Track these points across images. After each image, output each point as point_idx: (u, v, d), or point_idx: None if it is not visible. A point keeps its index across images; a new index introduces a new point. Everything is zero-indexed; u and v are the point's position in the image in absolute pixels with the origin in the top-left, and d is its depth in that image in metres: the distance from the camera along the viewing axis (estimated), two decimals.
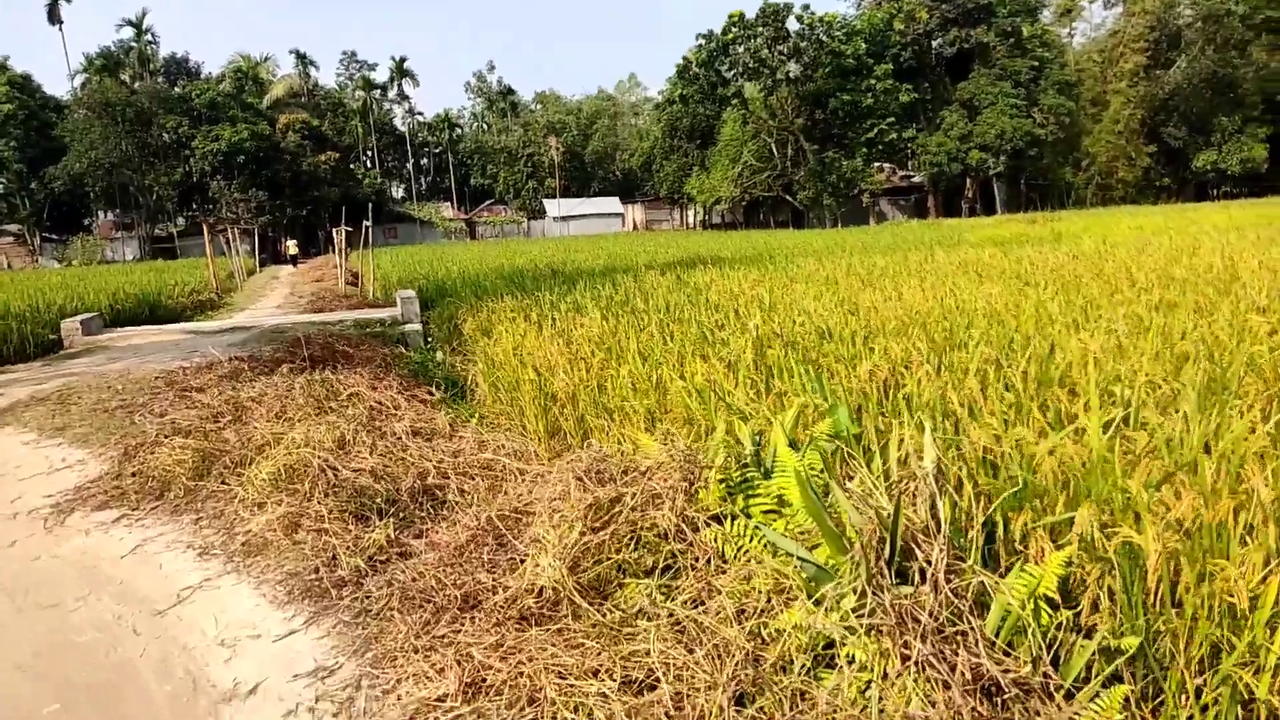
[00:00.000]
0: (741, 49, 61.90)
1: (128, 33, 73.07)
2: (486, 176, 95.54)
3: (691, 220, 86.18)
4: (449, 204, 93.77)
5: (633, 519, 3.57)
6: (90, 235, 67.96)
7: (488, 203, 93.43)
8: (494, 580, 3.68)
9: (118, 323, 17.52)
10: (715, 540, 3.49)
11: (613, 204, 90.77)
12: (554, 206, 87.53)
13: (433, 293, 17.63)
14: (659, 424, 5.75)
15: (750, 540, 3.45)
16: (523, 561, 3.77)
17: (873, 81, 60.34)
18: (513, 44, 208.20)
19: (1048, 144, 61.29)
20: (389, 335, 14.44)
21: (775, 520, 3.54)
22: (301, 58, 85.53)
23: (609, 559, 3.50)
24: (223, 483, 5.90)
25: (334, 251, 54.11)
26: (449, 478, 5.39)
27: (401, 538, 4.63)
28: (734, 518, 3.63)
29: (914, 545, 2.91)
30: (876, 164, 63.53)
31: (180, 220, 68.17)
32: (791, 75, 61.43)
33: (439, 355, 12.79)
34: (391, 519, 4.78)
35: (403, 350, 13.33)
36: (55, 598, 4.42)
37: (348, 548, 4.48)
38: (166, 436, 6.80)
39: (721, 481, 3.75)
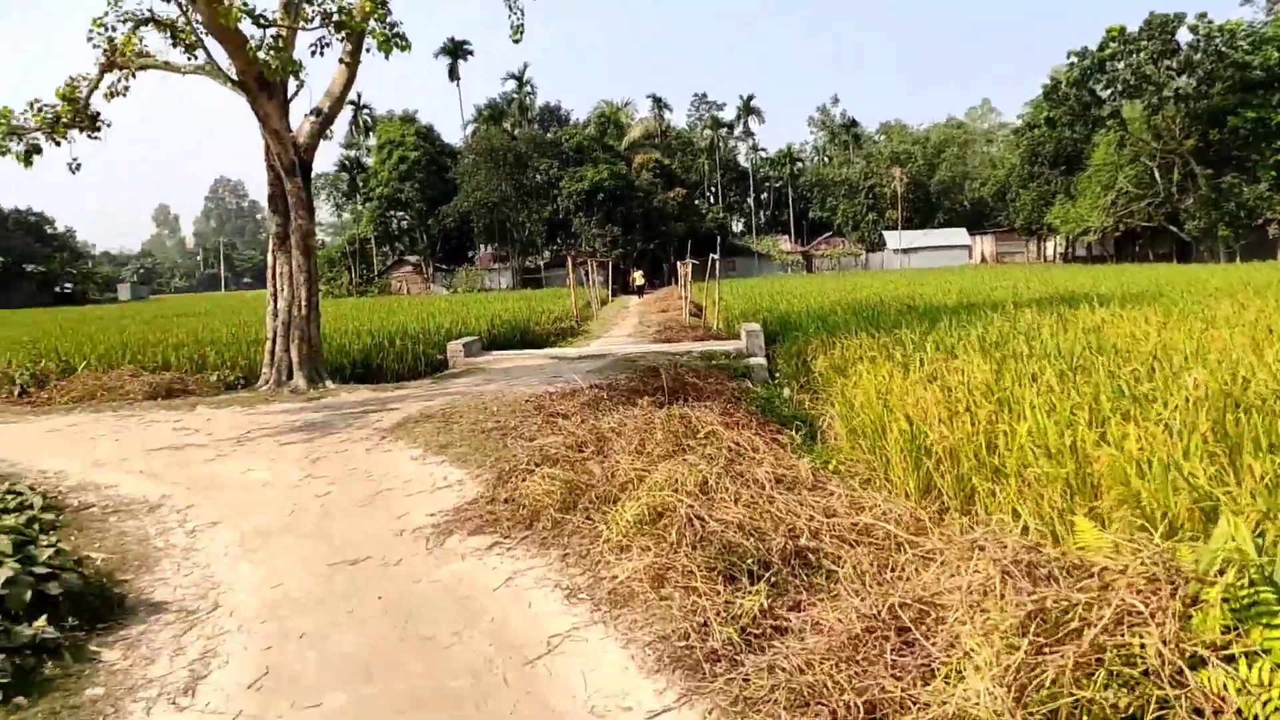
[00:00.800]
0: (1121, 65, 55.68)
1: (510, 85, 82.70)
2: (825, 209, 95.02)
3: (1050, 253, 79.11)
4: (786, 237, 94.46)
5: (1099, 642, 2.71)
6: (473, 266, 77.25)
7: (825, 235, 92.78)
8: (903, 691, 3.00)
9: (493, 346, 19.18)
10: (1227, 688, 2.53)
11: (959, 235, 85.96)
12: (894, 238, 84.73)
13: (775, 326, 17.31)
14: (1077, 500, 4.73)
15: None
16: (935, 673, 3.05)
17: None
18: (859, 75, 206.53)
19: None
20: (734, 368, 14.27)
21: None
22: (657, 101, 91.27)
23: (1064, 693, 2.67)
24: (587, 518, 5.79)
25: (677, 283, 56.75)
26: (821, 539, 4.79)
27: (775, 608, 4.09)
28: (1247, 656, 2.64)
29: None
30: None
31: (546, 253, 75.16)
32: (1181, 91, 54.09)
33: (785, 392, 12.33)
34: (763, 584, 4.26)
35: (748, 385, 13.07)
36: (432, 628, 4.43)
37: (718, 613, 4.04)
38: (536, 464, 6.90)
39: (1224, 601, 2.77)
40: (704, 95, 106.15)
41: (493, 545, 5.69)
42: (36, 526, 6.42)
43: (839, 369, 10.12)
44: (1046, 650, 2.80)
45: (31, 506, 6.78)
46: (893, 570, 4.16)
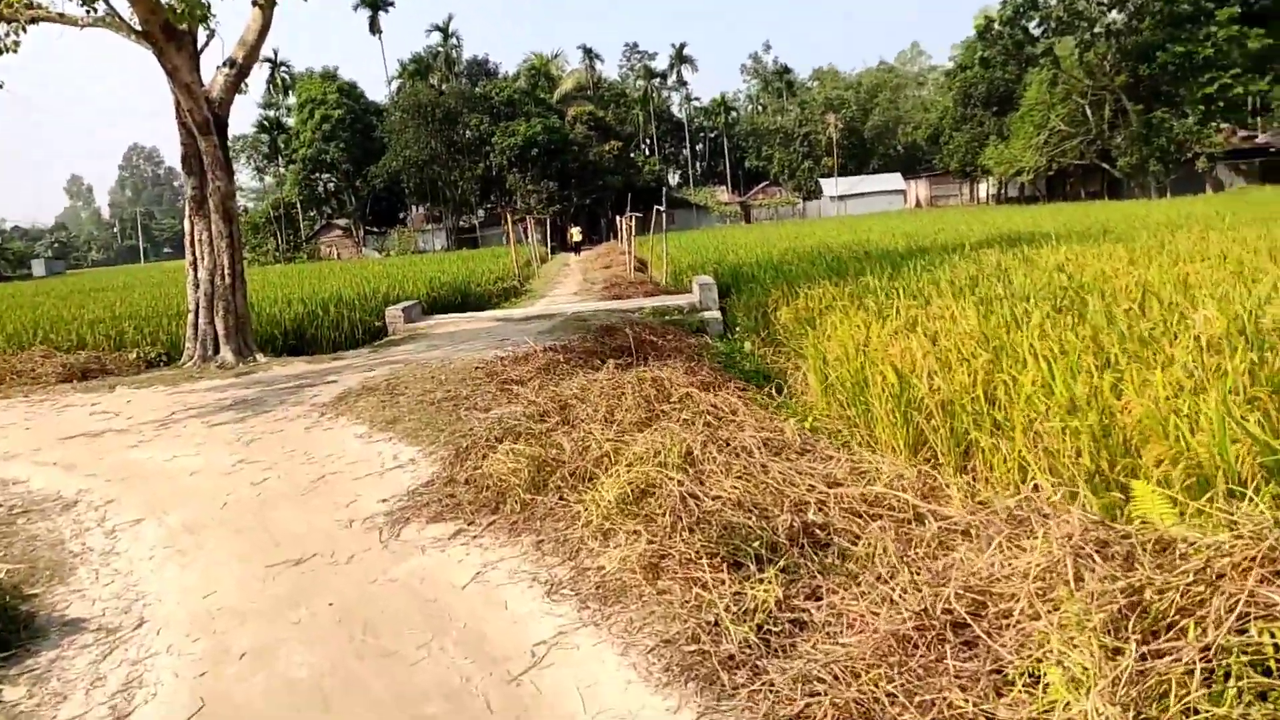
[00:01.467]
0: (1054, 1, 55.80)
1: (436, 38, 79.87)
2: (761, 159, 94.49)
3: (984, 195, 79.91)
4: (723, 188, 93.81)
5: (1222, 644, 2.24)
6: (405, 228, 75.10)
7: (762, 185, 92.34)
8: (976, 707, 2.51)
9: (433, 310, 18.33)
10: None
11: (894, 180, 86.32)
12: (830, 186, 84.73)
13: (727, 278, 16.80)
14: (1103, 456, 4.30)
15: None
16: (1010, 682, 2.57)
17: (1213, 29, 51.93)
18: (789, 21, 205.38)
19: None
20: (688, 323, 13.76)
21: None
22: (588, 52, 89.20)
23: (1176, 702, 2.21)
24: (561, 498, 5.22)
25: (616, 238, 55.79)
26: (829, 513, 4.30)
27: (791, 598, 3.59)
28: None
29: None
30: (1214, 124, 54.79)
31: (480, 212, 73.39)
32: (1112, 27, 54.51)
33: (746, 346, 11.87)
34: (774, 570, 3.75)
35: (706, 340, 12.57)
36: (395, 640, 3.83)
37: (728, 608, 3.52)
38: (497, 439, 6.29)
39: None
40: (635, 45, 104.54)
41: (456, 534, 5.09)
42: None
43: (806, 321, 9.64)
44: (1150, 655, 2.33)
45: None
46: (918, 548, 3.68)
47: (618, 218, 52.17)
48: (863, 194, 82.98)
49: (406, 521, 5.36)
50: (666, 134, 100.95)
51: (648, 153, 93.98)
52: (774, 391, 8.73)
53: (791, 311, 10.51)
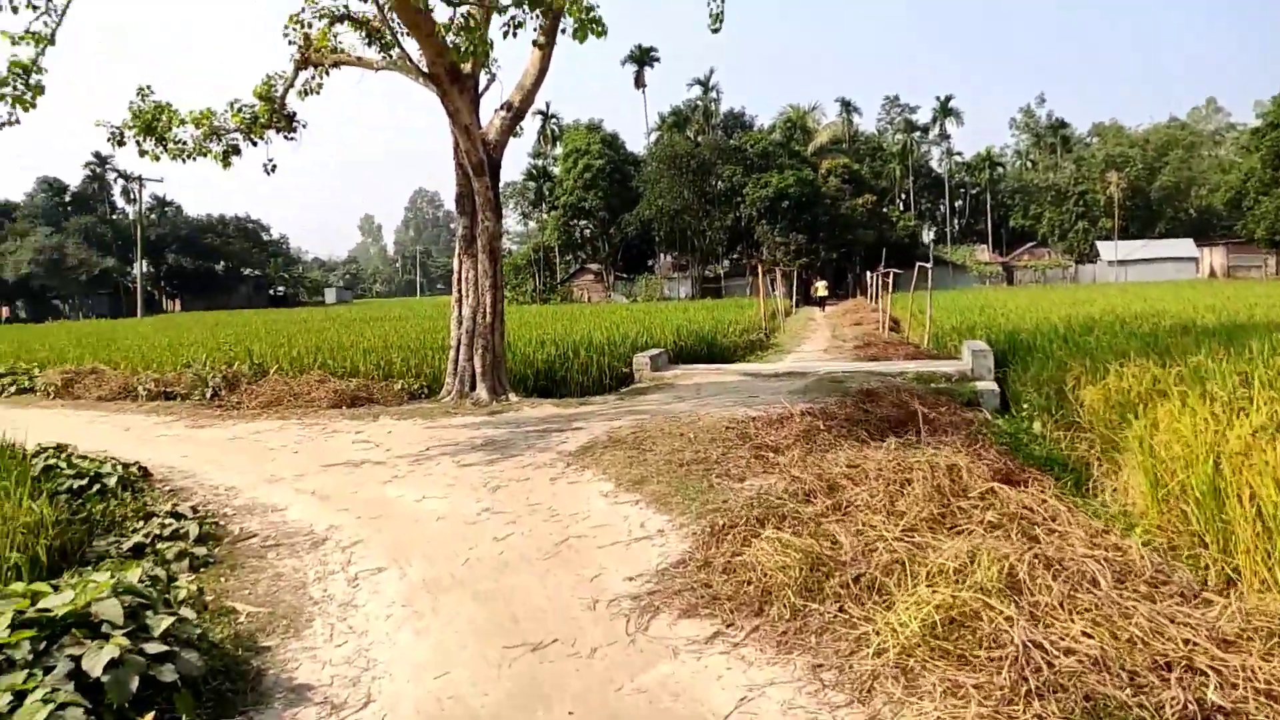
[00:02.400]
0: None
1: (696, 91, 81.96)
2: (1028, 218, 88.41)
3: None
4: (983, 246, 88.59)
5: None
6: (653, 275, 76.95)
7: (1028, 245, 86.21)
8: None
9: (679, 359, 17.95)
10: None
11: (1185, 247, 77.62)
12: (1109, 249, 77.53)
13: (1002, 345, 15.08)
14: None
15: None
16: None
17: None
18: (1068, 74, 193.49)
19: None
20: (958, 394, 12.31)
21: None
22: (846, 105, 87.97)
23: None
24: (841, 609, 4.30)
25: (864, 294, 53.82)
26: (1232, 691, 3.08)
27: None
28: None
29: None
30: None
31: (725, 262, 73.78)
32: None
33: (1035, 426, 10.32)
34: None
35: (984, 415, 11.12)
36: None
37: None
38: (758, 520, 5.48)
39: None
40: (895, 98, 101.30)
41: (714, 636, 4.30)
42: (186, 562, 5.63)
43: (1121, 404, 8.07)
44: None
45: (186, 537, 6.02)
46: None
47: (867, 273, 50.34)
48: (1147, 260, 75.22)
49: (656, 611, 4.64)
50: (924, 189, 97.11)
51: (902, 208, 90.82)
52: (1073, 485, 7.33)
53: (1100, 391, 8.92)
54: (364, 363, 15.22)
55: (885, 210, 79.14)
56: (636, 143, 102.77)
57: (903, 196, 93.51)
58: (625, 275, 77.36)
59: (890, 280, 25.68)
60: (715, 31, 12.98)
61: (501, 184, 14.03)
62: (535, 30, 11.40)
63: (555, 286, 78.14)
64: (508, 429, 10.66)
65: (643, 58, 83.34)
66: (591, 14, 10.51)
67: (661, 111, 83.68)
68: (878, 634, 3.89)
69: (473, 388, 12.76)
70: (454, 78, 11.56)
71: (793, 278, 51.50)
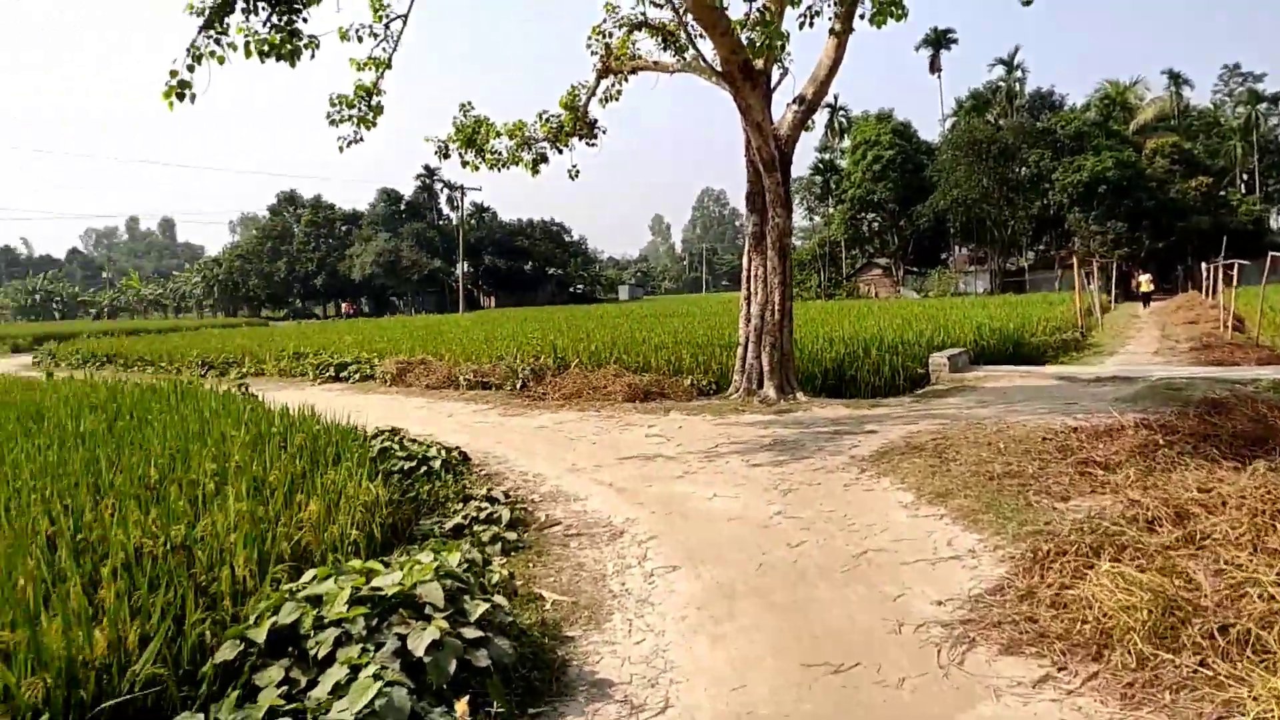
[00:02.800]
0: None
1: (998, 71, 76.41)
2: None
3: None
4: None
5: None
6: (946, 269, 72.88)
7: None
8: None
9: (980, 359, 16.70)
10: None
11: None
12: None
13: None
14: None
15: None
16: None
17: None
18: None
19: None
20: None
21: None
22: (1174, 76, 77.82)
23: None
24: (1202, 663, 3.64)
25: (1196, 288, 47.09)
26: None
27: None
28: None
29: None
30: None
31: (1030, 254, 68.23)
32: None
33: None
34: None
35: None
36: None
37: None
38: (1092, 550, 4.82)
39: None
40: (1235, 66, 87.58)
41: (1042, 679, 3.81)
42: (499, 546, 5.99)
43: None
44: None
45: (499, 521, 6.42)
46: None
47: (1201, 264, 43.96)
48: None
49: (972, 643, 4.21)
50: (1271, 168, 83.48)
51: (1244, 190, 78.83)
52: None
53: None
54: (655, 358, 15.64)
55: (1223, 194, 69.15)
56: (929, 131, 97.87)
57: (1244, 177, 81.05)
58: (916, 269, 73.92)
59: (1234, 272, 22.22)
60: (1026, 4, 11.88)
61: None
62: (830, 19, 11.03)
63: (840, 282, 76.47)
64: (797, 429, 10.42)
65: (939, 40, 79.18)
66: None
67: (959, 96, 79.02)
68: (1256, 700, 3.23)
69: (760, 385, 12.66)
70: (746, 74, 11.48)
71: (1110, 270, 46.46)
